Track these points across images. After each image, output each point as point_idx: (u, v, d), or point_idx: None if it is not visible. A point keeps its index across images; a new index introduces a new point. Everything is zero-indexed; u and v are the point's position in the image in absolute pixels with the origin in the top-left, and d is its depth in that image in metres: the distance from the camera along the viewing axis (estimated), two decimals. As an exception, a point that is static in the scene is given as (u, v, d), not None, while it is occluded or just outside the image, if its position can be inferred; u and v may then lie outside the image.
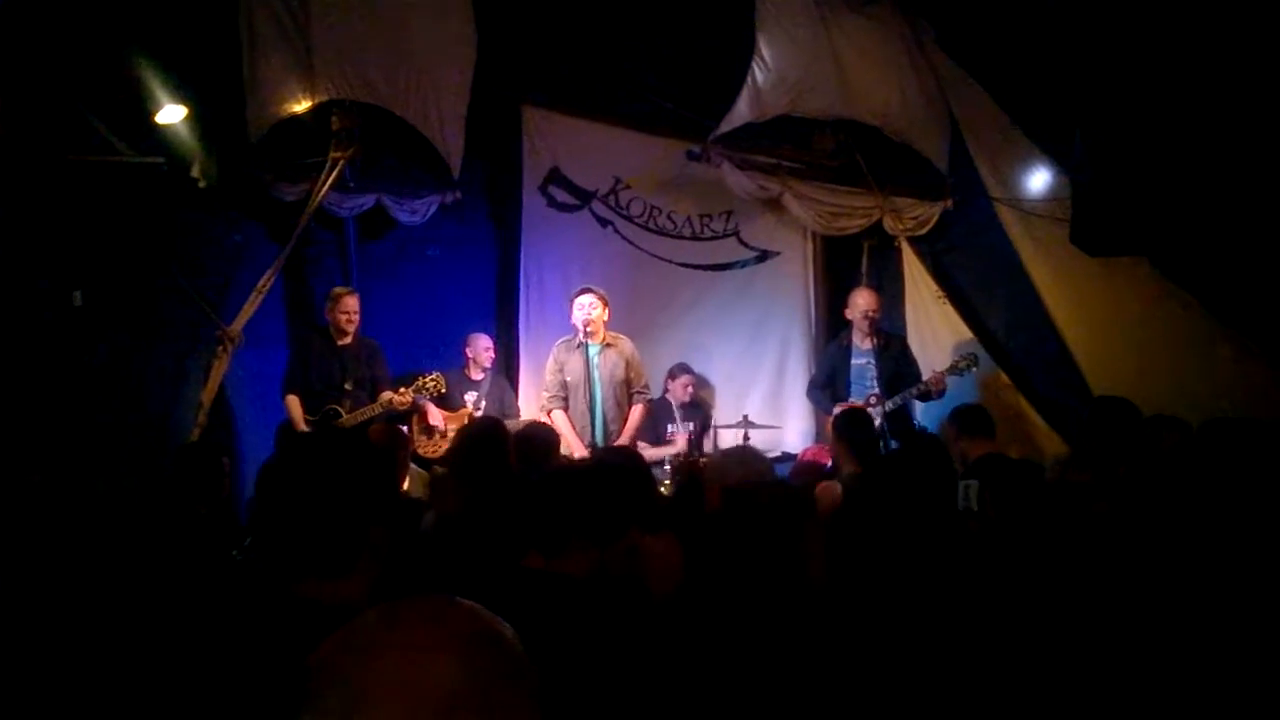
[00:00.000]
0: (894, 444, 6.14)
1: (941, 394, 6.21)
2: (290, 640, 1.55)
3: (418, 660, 1.04)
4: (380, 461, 1.92)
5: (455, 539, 3.25)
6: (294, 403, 6.23)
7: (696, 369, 7.14)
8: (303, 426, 6.14)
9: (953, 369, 6.23)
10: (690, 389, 6.93)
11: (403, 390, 6.25)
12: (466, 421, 6.37)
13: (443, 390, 6.37)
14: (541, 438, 4.44)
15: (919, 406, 6.56)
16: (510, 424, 6.32)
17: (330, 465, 1.80)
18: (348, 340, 6.34)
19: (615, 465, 2.79)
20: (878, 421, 6.21)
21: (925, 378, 6.28)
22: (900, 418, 6.36)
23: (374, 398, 6.28)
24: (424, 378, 6.30)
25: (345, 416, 6.19)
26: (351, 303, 6.33)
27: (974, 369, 6.31)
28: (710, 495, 2.90)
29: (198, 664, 1.64)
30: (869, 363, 6.40)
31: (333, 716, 1.03)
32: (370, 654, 1.06)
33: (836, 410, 5.75)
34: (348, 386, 6.29)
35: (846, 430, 4.64)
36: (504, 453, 3.98)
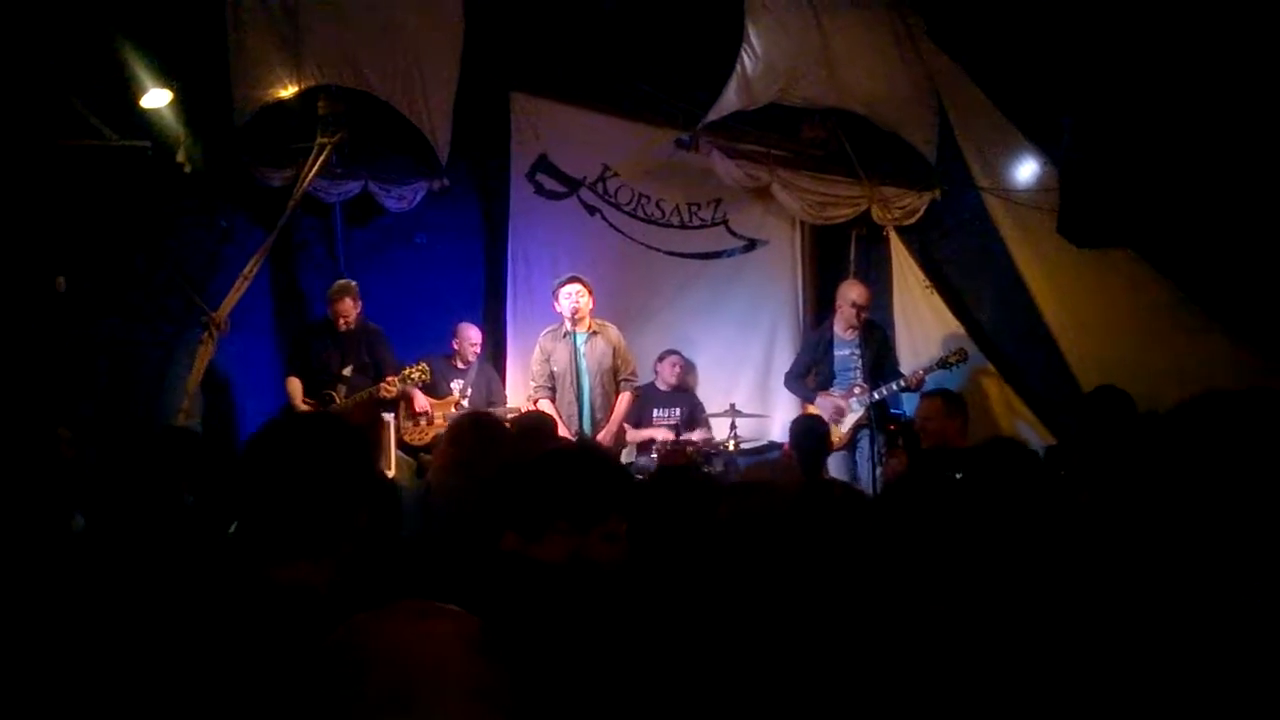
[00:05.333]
0: (879, 435, 6.16)
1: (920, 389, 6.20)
2: (262, 623, 1.55)
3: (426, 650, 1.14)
4: (363, 446, 1.90)
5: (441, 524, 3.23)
6: (293, 384, 6.30)
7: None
8: (301, 408, 6.15)
9: (942, 364, 6.20)
10: (678, 369, 6.92)
11: (390, 380, 6.25)
12: (453, 410, 6.37)
13: (427, 379, 6.36)
14: (541, 426, 4.47)
15: (902, 396, 6.56)
16: (498, 411, 6.37)
17: (318, 448, 1.78)
18: (349, 327, 6.35)
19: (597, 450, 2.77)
20: (862, 412, 6.23)
21: (906, 374, 6.25)
22: (884, 409, 6.37)
23: (377, 384, 6.30)
24: (410, 368, 6.30)
25: (339, 401, 6.18)
26: (343, 307, 6.35)
27: (962, 364, 6.30)
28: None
29: (178, 648, 1.63)
30: (853, 353, 6.38)
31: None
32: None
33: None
34: (346, 373, 6.32)
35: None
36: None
